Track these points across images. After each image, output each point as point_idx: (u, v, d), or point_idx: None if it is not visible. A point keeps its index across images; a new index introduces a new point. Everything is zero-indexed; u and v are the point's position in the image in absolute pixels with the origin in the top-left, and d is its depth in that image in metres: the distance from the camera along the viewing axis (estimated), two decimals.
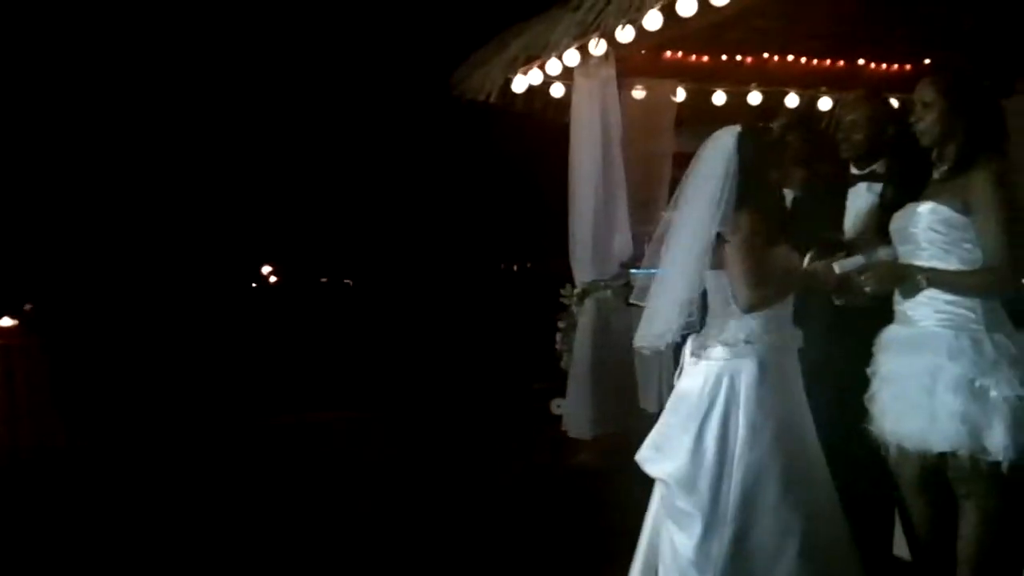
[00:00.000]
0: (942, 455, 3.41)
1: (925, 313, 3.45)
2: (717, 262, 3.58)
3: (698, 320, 3.69)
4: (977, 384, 3.29)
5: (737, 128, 3.66)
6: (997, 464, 3.27)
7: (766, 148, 3.69)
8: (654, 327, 3.67)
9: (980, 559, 3.42)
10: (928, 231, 3.44)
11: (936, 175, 3.53)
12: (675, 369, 3.83)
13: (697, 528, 3.48)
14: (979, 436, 3.28)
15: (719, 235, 3.55)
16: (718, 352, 3.59)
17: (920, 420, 3.38)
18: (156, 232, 22.45)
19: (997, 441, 3.25)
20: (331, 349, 13.48)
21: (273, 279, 28.81)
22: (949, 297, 3.40)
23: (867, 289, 3.54)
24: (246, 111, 22.19)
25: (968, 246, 3.38)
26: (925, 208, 3.46)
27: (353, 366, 11.57)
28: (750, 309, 3.53)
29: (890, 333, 3.58)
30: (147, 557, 4.96)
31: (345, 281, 28.51)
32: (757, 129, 3.78)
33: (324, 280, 28.81)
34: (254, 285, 27.67)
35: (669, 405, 3.73)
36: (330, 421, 8.37)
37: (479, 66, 6.96)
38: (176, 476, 6.53)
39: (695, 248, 3.58)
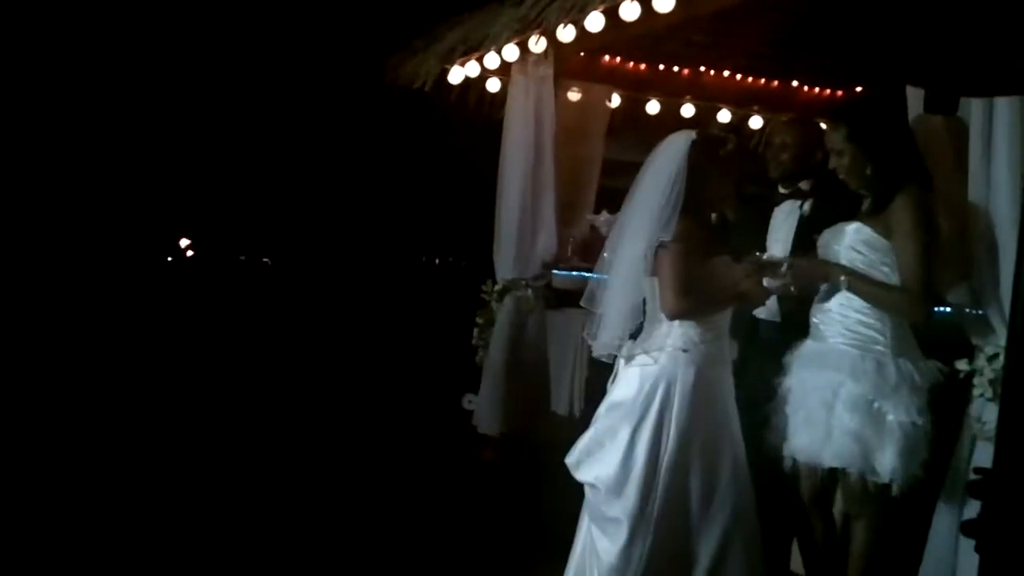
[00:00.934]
0: (833, 472, 3.47)
1: (835, 330, 3.51)
2: (655, 268, 3.54)
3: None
4: (875, 406, 3.36)
5: (692, 133, 3.61)
6: (886, 487, 3.34)
7: (716, 157, 3.61)
8: (603, 336, 3.63)
9: None
10: (850, 250, 3.50)
11: (864, 205, 3.60)
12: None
13: (623, 534, 3.46)
14: (870, 457, 3.35)
15: (661, 242, 3.50)
16: (654, 359, 3.55)
17: (815, 434, 3.45)
18: (72, 199, 21.74)
19: (887, 464, 3.33)
20: (242, 329, 13.23)
21: (190, 253, 28.19)
22: (860, 317, 3.46)
23: (789, 283, 3.56)
24: (174, 85, 21.58)
25: (886, 270, 3.45)
26: (851, 227, 3.54)
27: (262, 350, 11.37)
28: (674, 316, 3.52)
29: (801, 347, 3.64)
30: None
31: (263, 260, 28.08)
32: (711, 137, 3.72)
33: (242, 258, 28.31)
34: (169, 259, 27.03)
35: (601, 410, 3.68)
36: (241, 408, 8.17)
37: (415, 53, 6.86)
38: (83, 463, 6.29)
39: (638, 253, 3.54)
